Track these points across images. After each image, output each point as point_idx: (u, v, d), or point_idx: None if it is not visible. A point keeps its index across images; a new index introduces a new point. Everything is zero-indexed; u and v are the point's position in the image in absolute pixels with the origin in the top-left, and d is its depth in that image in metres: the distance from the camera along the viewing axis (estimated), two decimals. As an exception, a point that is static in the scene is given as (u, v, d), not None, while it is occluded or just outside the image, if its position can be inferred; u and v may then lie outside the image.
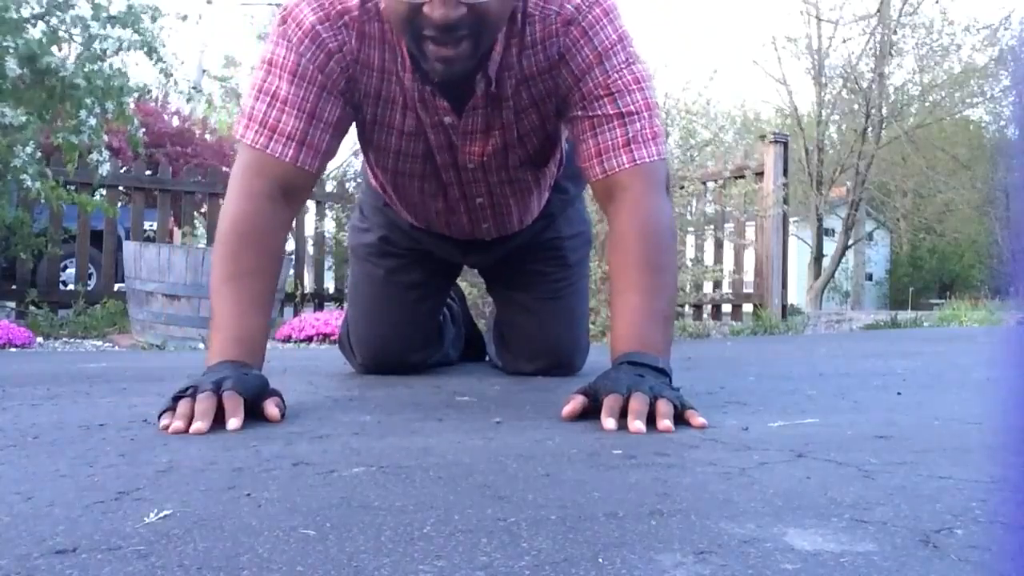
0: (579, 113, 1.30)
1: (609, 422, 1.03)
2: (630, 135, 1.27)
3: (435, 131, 1.36)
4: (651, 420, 1.03)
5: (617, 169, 1.27)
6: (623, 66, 1.28)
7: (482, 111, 1.33)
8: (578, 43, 1.27)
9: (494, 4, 1.12)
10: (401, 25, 1.15)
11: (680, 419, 1.06)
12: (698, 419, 1.06)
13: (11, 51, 3.01)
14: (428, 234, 1.71)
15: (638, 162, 1.27)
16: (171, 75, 3.55)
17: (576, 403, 1.11)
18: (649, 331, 1.20)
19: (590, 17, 1.27)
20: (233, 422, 1.03)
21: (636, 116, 1.28)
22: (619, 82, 1.28)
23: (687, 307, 4.95)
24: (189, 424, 1.02)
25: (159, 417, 1.07)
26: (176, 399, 1.07)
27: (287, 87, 1.26)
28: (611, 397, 1.06)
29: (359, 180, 5.49)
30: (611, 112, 1.28)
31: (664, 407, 1.04)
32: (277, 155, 1.26)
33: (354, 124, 1.41)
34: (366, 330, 1.78)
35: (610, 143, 1.28)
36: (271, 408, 1.11)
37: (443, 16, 1.08)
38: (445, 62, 1.15)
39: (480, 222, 1.61)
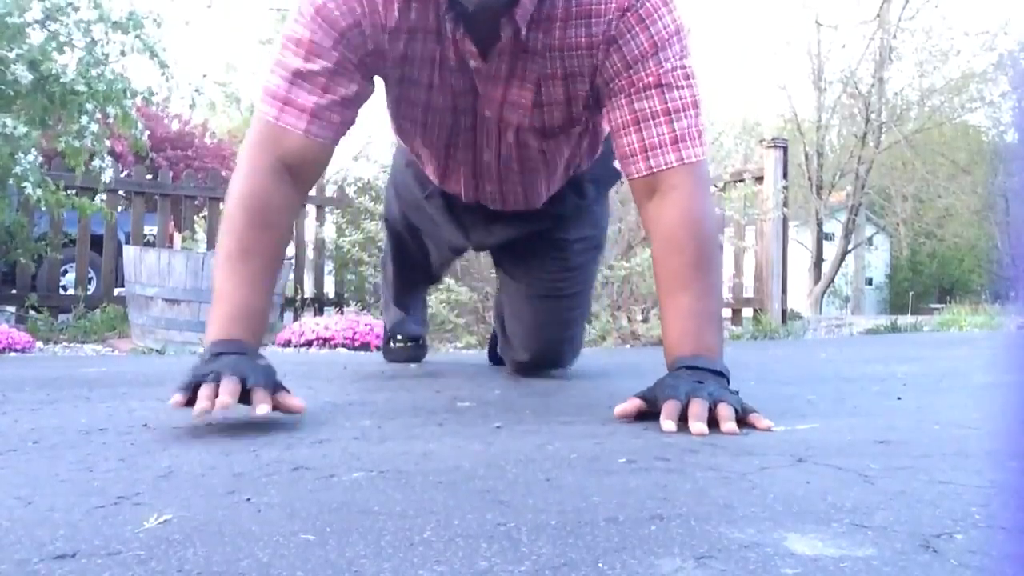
0: (624, 102, 1.27)
1: (668, 424, 1.05)
2: (678, 132, 1.25)
3: (458, 75, 1.34)
4: (713, 423, 1.04)
5: (664, 167, 1.25)
6: (677, 58, 1.25)
7: (507, 57, 1.30)
8: (633, 30, 1.24)
9: None
10: None
11: (743, 423, 1.07)
12: (763, 422, 1.07)
13: (17, 58, 3.02)
14: (440, 202, 1.74)
15: (686, 161, 1.25)
16: (173, 78, 3.55)
17: (632, 405, 1.13)
18: (703, 333, 1.20)
19: (648, 5, 1.24)
20: (263, 407, 1.04)
21: (684, 113, 1.25)
22: (671, 75, 1.25)
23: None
24: (212, 405, 1.02)
25: (173, 395, 1.05)
26: (194, 386, 1.06)
27: (300, 63, 1.26)
28: (670, 403, 1.08)
29: (359, 185, 5.49)
30: (659, 108, 1.24)
31: (725, 411, 1.06)
32: (288, 126, 1.26)
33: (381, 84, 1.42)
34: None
35: (656, 139, 1.25)
36: (292, 400, 1.12)
37: None
38: None
39: (484, 181, 1.58)
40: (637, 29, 1.24)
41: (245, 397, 1.07)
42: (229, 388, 1.04)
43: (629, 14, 1.24)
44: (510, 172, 1.55)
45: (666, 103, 1.24)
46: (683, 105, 1.25)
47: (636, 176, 1.28)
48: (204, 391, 1.04)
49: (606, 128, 1.53)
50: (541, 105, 1.37)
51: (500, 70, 1.33)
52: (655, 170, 1.25)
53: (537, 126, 1.42)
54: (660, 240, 1.27)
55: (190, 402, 1.05)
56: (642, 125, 1.25)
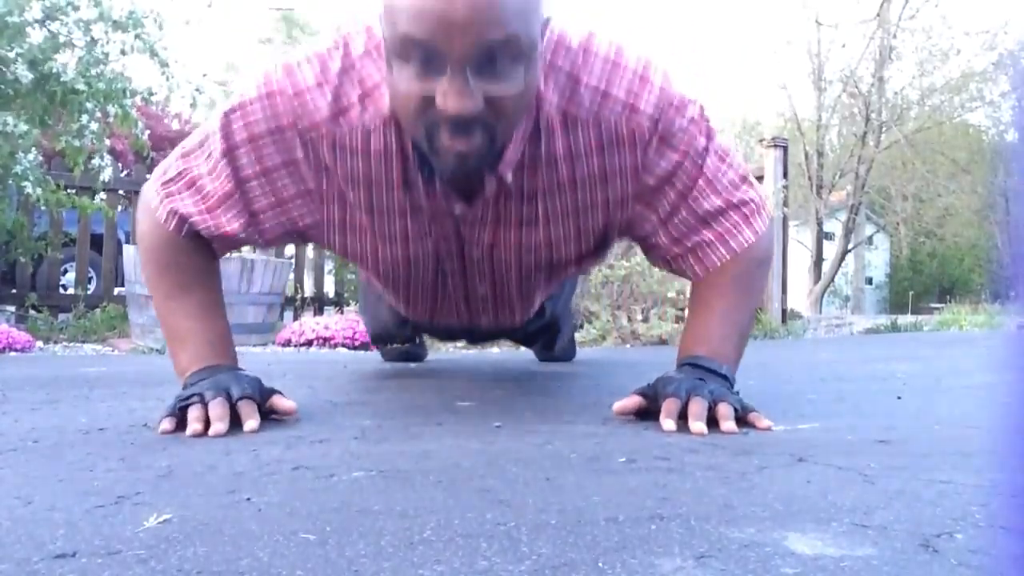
0: (682, 210, 1.20)
1: (668, 423, 1.05)
2: (747, 212, 1.21)
3: (437, 221, 1.20)
4: (713, 422, 1.05)
5: (746, 243, 1.21)
6: (711, 150, 1.18)
7: (493, 202, 1.17)
8: (662, 152, 1.15)
9: (513, 97, 0.97)
10: (410, 117, 0.99)
11: (743, 422, 1.08)
12: (764, 421, 1.08)
13: (18, 58, 3.02)
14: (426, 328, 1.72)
15: (759, 232, 1.22)
16: (173, 78, 3.55)
17: (631, 402, 1.14)
18: (722, 339, 1.20)
19: (666, 122, 1.13)
20: (251, 423, 1.05)
21: (740, 191, 1.21)
22: (711, 166, 1.18)
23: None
24: (206, 428, 1.03)
25: (160, 421, 1.07)
26: (182, 407, 1.07)
27: (211, 188, 1.18)
28: (670, 401, 1.09)
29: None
30: (720, 203, 1.19)
31: (724, 410, 1.07)
32: (193, 235, 1.21)
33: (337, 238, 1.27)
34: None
35: (732, 226, 1.21)
36: (284, 402, 1.14)
37: (458, 109, 0.93)
38: (458, 157, 0.99)
39: (479, 314, 1.49)
40: (666, 151, 1.15)
41: (235, 413, 1.08)
42: (218, 412, 1.05)
43: (652, 139, 1.13)
44: (507, 300, 1.44)
45: (721, 194, 1.19)
46: (734, 184, 1.20)
47: (720, 261, 1.23)
48: (193, 413, 1.05)
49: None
50: (551, 243, 1.25)
51: (488, 215, 1.19)
52: (738, 250, 1.22)
53: (542, 263, 1.30)
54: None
55: (180, 426, 1.05)
56: (712, 222, 1.20)
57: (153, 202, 1.22)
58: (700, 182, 1.17)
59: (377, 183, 1.15)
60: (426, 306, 1.47)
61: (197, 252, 1.24)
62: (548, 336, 2.13)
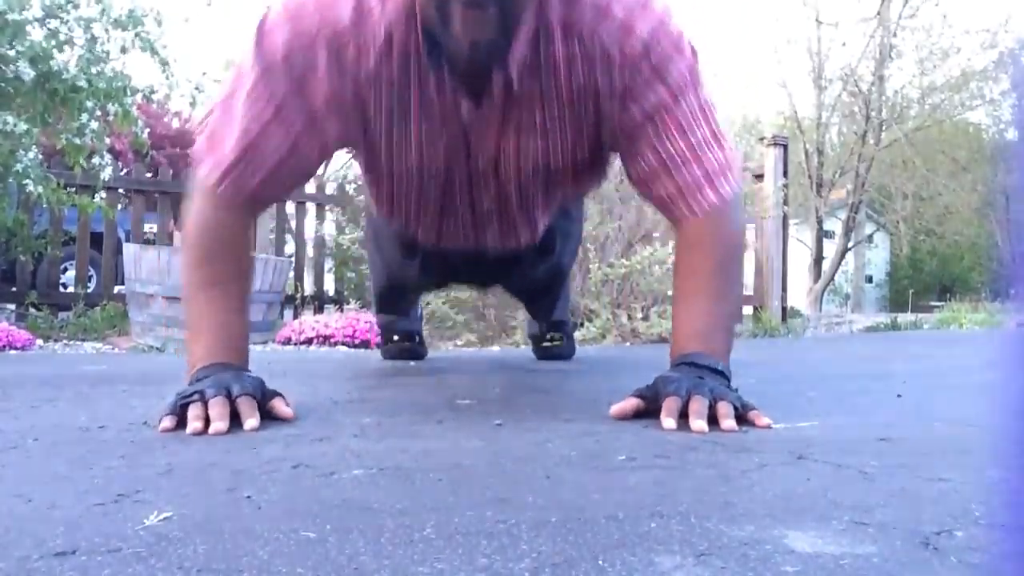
0: (648, 151, 1.23)
1: (669, 422, 1.05)
2: (709, 169, 1.22)
3: (447, 126, 1.25)
4: (712, 420, 1.05)
5: (707, 206, 1.22)
6: (696, 98, 1.21)
7: (500, 104, 1.22)
8: (650, 82, 1.19)
9: None
10: None
11: (743, 420, 1.08)
12: (763, 419, 1.08)
13: (18, 56, 3.02)
14: (430, 262, 1.72)
15: (723, 195, 1.23)
16: (173, 76, 3.55)
17: (629, 404, 1.14)
18: (712, 334, 1.21)
19: (660, 53, 1.17)
20: (251, 422, 1.05)
21: (709, 148, 1.22)
22: (690, 115, 1.21)
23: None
24: (206, 426, 1.03)
25: (160, 419, 1.07)
26: (182, 405, 1.07)
27: (251, 120, 1.19)
28: (671, 399, 1.09)
29: (359, 183, 5.51)
30: (687, 153, 1.21)
31: (725, 408, 1.07)
32: (236, 187, 1.23)
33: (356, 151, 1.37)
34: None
35: (691, 180, 1.22)
36: (283, 408, 1.14)
37: None
38: (471, 37, 1.05)
39: (485, 231, 1.53)
40: (655, 81, 1.18)
41: (235, 412, 1.08)
42: (218, 410, 1.05)
43: (643, 64, 1.17)
44: (510, 216, 1.48)
45: (693, 147, 1.21)
46: (705, 141, 1.22)
47: (677, 218, 1.25)
48: (193, 411, 1.06)
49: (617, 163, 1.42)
50: (548, 152, 1.29)
51: (494, 118, 1.24)
52: (697, 211, 1.22)
53: (541, 172, 1.34)
54: (685, 244, 1.27)
55: (181, 424, 1.05)
56: (673, 172, 1.22)
57: (200, 163, 1.25)
58: (672, 126, 1.20)
59: (399, 81, 1.20)
60: (434, 222, 1.50)
61: (236, 243, 1.27)
62: (548, 299, 2.17)
